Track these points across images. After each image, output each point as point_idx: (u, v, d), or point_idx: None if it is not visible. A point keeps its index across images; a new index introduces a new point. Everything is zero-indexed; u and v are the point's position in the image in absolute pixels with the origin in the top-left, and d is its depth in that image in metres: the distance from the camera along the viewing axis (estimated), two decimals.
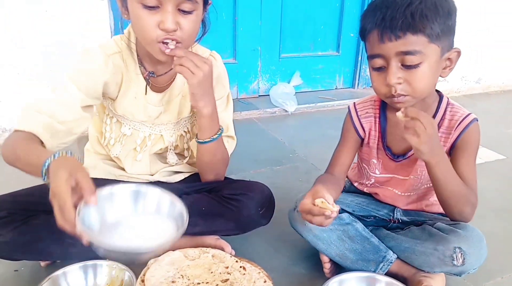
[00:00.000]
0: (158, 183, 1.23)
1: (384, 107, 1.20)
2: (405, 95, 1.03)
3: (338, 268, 1.23)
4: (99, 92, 1.12)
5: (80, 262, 1.10)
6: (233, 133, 1.30)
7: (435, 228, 1.13)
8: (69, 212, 0.80)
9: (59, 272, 1.07)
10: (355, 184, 1.37)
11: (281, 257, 1.32)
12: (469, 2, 2.90)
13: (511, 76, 3.48)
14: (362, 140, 1.26)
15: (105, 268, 1.11)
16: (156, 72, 1.17)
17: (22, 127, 1.01)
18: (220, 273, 1.09)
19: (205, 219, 1.22)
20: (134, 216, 0.96)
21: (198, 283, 1.05)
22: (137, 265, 1.09)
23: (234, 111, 1.32)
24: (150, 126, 1.23)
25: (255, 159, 2.02)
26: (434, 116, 1.14)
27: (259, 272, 1.11)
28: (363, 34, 1.07)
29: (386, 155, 1.22)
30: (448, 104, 1.16)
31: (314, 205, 0.95)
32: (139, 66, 1.16)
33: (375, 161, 1.25)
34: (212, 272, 1.10)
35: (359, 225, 1.20)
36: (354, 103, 1.26)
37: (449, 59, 1.05)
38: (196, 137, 1.19)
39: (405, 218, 1.26)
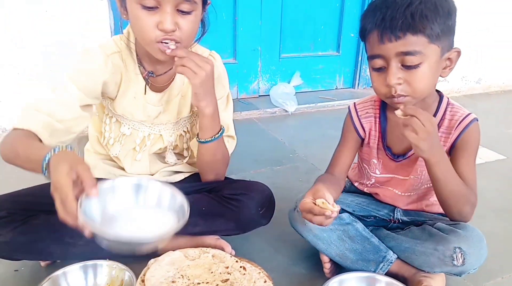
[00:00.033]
0: None
1: (384, 107, 1.20)
2: (405, 96, 1.03)
3: (338, 268, 1.23)
4: (98, 92, 1.12)
5: (80, 262, 1.10)
6: (233, 133, 1.30)
7: (435, 228, 1.13)
8: (71, 204, 0.80)
9: (59, 272, 1.07)
10: (356, 184, 1.37)
11: (281, 257, 1.32)
12: (469, 2, 2.90)
13: (511, 76, 3.48)
14: (362, 140, 1.26)
15: (105, 268, 1.11)
16: (156, 72, 1.18)
17: (21, 125, 1.01)
18: (220, 273, 1.09)
19: (205, 219, 1.22)
20: (135, 208, 0.96)
21: (198, 283, 1.05)
22: (137, 265, 1.10)
23: (234, 111, 1.33)
24: (149, 125, 1.23)
25: (255, 159, 2.02)
26: (434, 116, 1.13)
27: (259, 272, 1.11)
28: (363, 34, 1.07)
29: (386, 155, 1.22)
30: (448, 104, 1.16)
31: (315, 204, 0.95)
32: (138, 66, 1.16)
33: (375, 161, 1.25)
34: (212, 272, 1.10)
35: (359, 225, 1.20)
36: (354, 103, 1.26)
37: (449, 59, 1.05)
38: (197, 137, 1.19)
39: (405, 218, 1.26)
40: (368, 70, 1.12)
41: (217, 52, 1.27)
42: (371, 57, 1.06)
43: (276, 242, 1.39)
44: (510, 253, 1.40)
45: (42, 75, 2.02)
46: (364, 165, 1.30)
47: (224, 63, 1.27)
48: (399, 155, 1.20)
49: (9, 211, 1.09)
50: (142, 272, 1.08)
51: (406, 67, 1.00)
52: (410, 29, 0.97)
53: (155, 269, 1.08)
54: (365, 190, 1.33)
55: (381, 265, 1.16)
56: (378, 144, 1.23)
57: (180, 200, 0.96)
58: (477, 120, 1.13)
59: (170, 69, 1.19)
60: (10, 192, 1.16)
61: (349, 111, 1.26)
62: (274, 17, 2.70)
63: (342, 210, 1.22)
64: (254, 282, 1.07)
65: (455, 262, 1.04)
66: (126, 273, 1.08)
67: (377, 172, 1.26)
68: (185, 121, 1.27)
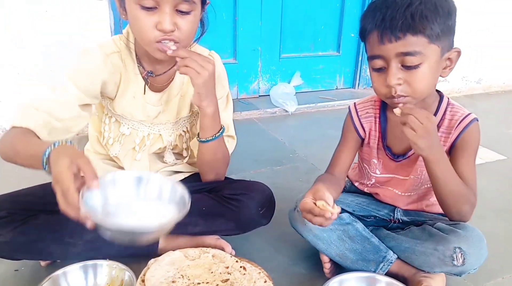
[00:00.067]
0: None
1: (385, 107, 1.20)
2: (405, 96, 1.03)
3: (338, 268, 1.22)
4: (98, 91, 1.12)
5: (80, 262, 1.10)
6: (233, 132, 1.30)
7: (435, 228, 1.13)
8: (72, 196, 0.79)
9: (59, 272, 1.07)
10: (356, 184, 1.37)
11: (281, 257, 1.32)
12: (469, 2, 2.90)
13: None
14: (363, 140, 1.26)
15: (105, 268, 1.11)
16: (155, 71, 1.18)
17: (20, 123, 1.01)
18: (220, 273, 1.09)
19: (206, 219, 1.22)
20: (137, 201, 0.96)
21: (198, 283, 1.05)
22: (137, 265, 1.10)
23: (234, 111, 1.33)
24: (149, 125, 1.23)
25: (255, 159, 2.02)
26: (434, 116, 1.13)
27: (260, 272, 1.11)
28: (363, 35, 1.07)
29: (386, 155, 1.22)
30: (448, 104, 1.16)
31: (315, 204, 0.95)
32: (138, 66, 1.16)
33: (375, 161, 1.25)
34: (212, 272, 1.10)
35: (360, 225, 1.20)
36: (355, 103, 1.27)
37: (449, 59, 1.05)
38: (198, 136, 1.19)
39: (405, 218, 1.26)
40: (368, 70, 1.12)
41: (217, 52, 1.27)
42: (371, 58, 1.06)
43: (276, 242, 1.39)
44: (511, 253, 1.39)
45: (42, 75, 2.02)
46: (364, 165, 1.30)
47: (224, 63, 1.27)
48: (399, 155, 1.20)
49: (9, 211, 1.09)
50: (142, 272, 1.08)
51: (406, 68, 1.00)
52: (410, 29, 0.97)
53: (155, 269, 1.08)
54: (366, 190, 1.33)
55: (381, 265, 1.16)
56: (378, 144, 1.23)
57: (181, 191, 0.96)
58: (477, 120, 1.13)
59: (170, 69, 1.19)
60: (10, 192, 1.16)
61: (349, 111, 1.26)
62: (274, 17, 2.70)
63: (342, 210, 1.21)
64: (254, 282, 1.07)
65: (455, 262, 1.04)
66: (126, 273, 1.08)
67: (377, 172, 1.26)
68: (184, 121, 1.27)
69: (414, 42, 0.98)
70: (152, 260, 1.12)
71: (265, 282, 1.07)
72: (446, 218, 1.18)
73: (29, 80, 2.02)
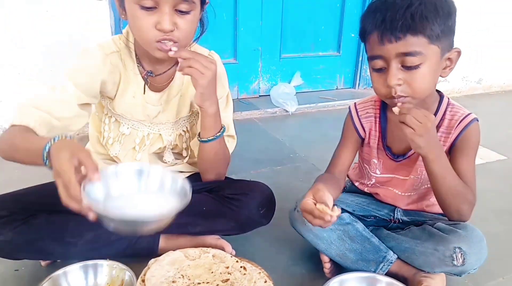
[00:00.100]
0: None
1: (385, 107, 1.21)
2: (405, 97, 1.03)
3: (339, 268, 1.22)
4: (97, 91, 1.13)
5: (81, 261, 1.10)
6: (233, 132, 1.30)
7: (435, 228, 1.12)
8: (74, 188, 0.79)
9: (59, 271, 1.07)
10: (356, 184, 1.37)
11: (281, 257, 1.32)
12: (469, 2, 2.90)
13: None
14: (363, 140, 1.26)
15: (105, 268, 1.11)
16: (155, 71, 1.18)
17: (19, 121, 1.01)
18: (221, 273, 1.09)
19: (206, 218, 1.22)
20: (138, 193, 0.96)
21: (199, 283, 1.05)
22: (138, 265, 1.10)
23: (234, 111, 1.33)
24: (148, 125, 1.23)
25: (255, 159, 2.02)
26: (434, 116, 1.13)
27: (260, 272, 1.11)
28: (363, 35, 1.07)
29: (386, 155, 1.22)
30: (448, 104, 1.16)
31: (316, 205, 0.96)
32: (138, 66, 1.16)
33: (375, 161, 1.25)
34: (212, 272, 1.10)
35: (360, 225, 1.20)
36: (355, 103, 1.27)
37: (449, 59, 1.05)
38: (199, 136, 1.19)
39: (405, 218, 1.26)
40: (368, 70, 1.12)
41: (217, 52, 1.27)
42: (371, 58, 1.06)
43: (277, 242, 1.39)
44: (511, 253, 1.39)
45: (42, 75, 2.02)
46: (365, 165, 1.30)
47: (224, 63, 1.27)
48: (399, 155, 1.20)
49: (10, 210, 1.09)
50: (143, 272, 1.08)
51: (406, 68, 1.00)
52: (410, 30, 0.97)
53: (156, 269, 1.08)
54: (366, 190, 1.33)
55: (381, 265, 1.16)
56: (378, 144, 1.23)
57: (182, 182, 0.97)
58: (477, 120, 1.13)
59: (169, 69, 1.19)
60: (11, 191, 1.16)
61: (350, 111, 1.26)
62: (275, 17, 2.70)
63: (343, 210, 1.22)
64: (255, 282, 1.07)
65: (455, 262, 1.04)
66: (127, 273, 1.08)
67: (378, 172, 1.26)
68: (184, 120, 1.27)
69: (414, 43, 0.98)
70: (153, 260, 1.12)
71: (265, 282, 1.07)
72: (446, 218, 1.18)
73: (29, 80, 2.02)
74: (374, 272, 1.15)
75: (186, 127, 1.29)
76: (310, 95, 2.94)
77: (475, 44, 3.09)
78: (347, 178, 1.38)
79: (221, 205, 1.22)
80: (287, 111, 2.68)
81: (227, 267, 1.11)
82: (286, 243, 1.38)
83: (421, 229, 1.16)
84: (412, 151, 1.17)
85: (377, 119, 1.22)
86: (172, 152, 1.31)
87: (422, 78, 1.01)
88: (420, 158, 1.12)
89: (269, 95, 2.82)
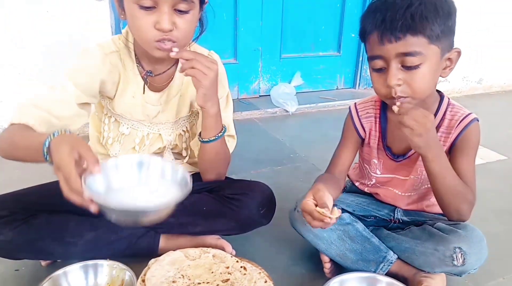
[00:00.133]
0: None
1: (385, 107, 1.21)
2: (405, 97, 1.03)
3: (339, 268, 1.22)
4: (96, 90, 1.13)
5: (81, 261, 1.10)
6: (233, 132, 1.30)
7: (435, 228, 1.12)
8: (75, 181, 0.79)
9: (59, 271, 1.07)
10: (356, 184, 1.37)
11: (281, 257, 1.32)
12: (469, 2, 2.90)
13: None
14: (363, 140, 1.26)
15: (105, 268, 1.11)
16: (154, 71, 1.18)
17: (19, 120, 1.01)
18: (221, 273, 1.09)
19: (206, 218, 1.22)
20: (139, 184, 0.96)
21: (199, 283, 1.05)
22: (138, 265, 1.10)
23: (235, 111, 1.33)
24: (148, 125, 1.23)
25: (256, 159, 2.02)
26: (434, 116, 1.13)
27: (260, 272, 1.11)
28: (363, 35, 1.07)
29: (386, 155, 1.22)
30: (448, 104, 1.16)
31: (316, 205, 0.96)
32: (137, 66, 1.16)
33: (375, 161, 1.25)
34: (212, 272, 1.10)
35: (360, 225, 1.20)
36: (355, 103, 1.27)
37: (449, 59, 1.05)
38: (199, 136, 1.19)
39: (405, 218, 1.26)
40: (368, 70, 1.12)
41: (217, 52, 1.27)
42: (371, 58, 1.06)
43: (277, 242, 1.39)
44: (511, 253, 1.39)
45: (42, 75, 2.02)
46: (365, 165, 1.30)
47: (224, 63, 1.27)
48: (399, 155, 1.20)
49: (10, 210, 1.09)
50: (143, 272, 1.08)
51: (406, 68, 1.00)
52: (410, 30, 0.96)
53: (156, 269, 1.08)
54: (366, 190, 1.33)
55: (382, 265, 1.16)
56: (378, 144, 1.23)
57: (182, 172, 0.97)
58: (478, 120, 1.13)
59: (169, 69, 1.19)
60: (11, 191, 1.16)
61: (350, 111, 1.26)
62: (275, 17, 2.70)
63: (343, 210, 1.22)
64: (255, 282, 1.07)
65: (455, 262, 1.04)
66: (127, 273, 1.08)
67: (378, 172, 1.26)
68: (184, 120, 1.27)
69: (414, 43, 0.98)
70: (153, 260, 1.12)
71: (266, 282, 1.07)
72: (446, 218, 1.18)
73: (29, 80, 2.02)
74: (374, 272, 1.15)
75: (186, 127, 1.29)
76: (310, 95, 2.94)
77: (475, 44, 3.09)
78: (347, 178, 1.38)
79: (221, 205, 1.22)
80: (287, 111, 2.68)
81: (227, 267, 1.11)
82: (286, 243, 1.38)
83: (421, 229, 1.16)
84: (412, 151, 1.17)
85: (377, 119, 1.22)
86: (172, 152, 1.31)
87: (422, 78, 1.01)
88: (420, 158, 1.12)
89: (269, 95, 2.82)
